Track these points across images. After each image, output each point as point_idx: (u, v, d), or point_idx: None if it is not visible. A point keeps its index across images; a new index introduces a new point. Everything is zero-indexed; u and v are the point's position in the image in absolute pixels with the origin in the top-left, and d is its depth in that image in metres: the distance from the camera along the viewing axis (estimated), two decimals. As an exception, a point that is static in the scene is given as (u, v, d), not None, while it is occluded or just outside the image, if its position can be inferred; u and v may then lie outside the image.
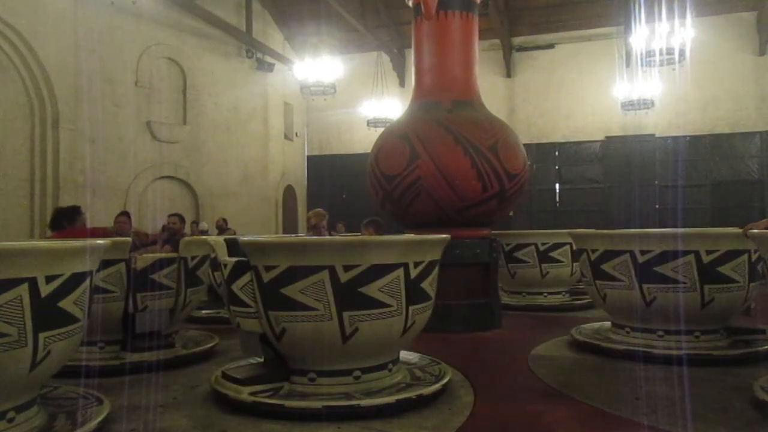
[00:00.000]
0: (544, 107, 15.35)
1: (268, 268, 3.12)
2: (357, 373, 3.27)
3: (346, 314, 3.08)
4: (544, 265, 7.07)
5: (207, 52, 13.44)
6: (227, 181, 13.87)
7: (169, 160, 12.41)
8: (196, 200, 13.06)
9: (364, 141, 13.08)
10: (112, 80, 11.13)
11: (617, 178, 14.68)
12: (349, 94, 14.95)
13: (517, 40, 15.56)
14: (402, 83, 16.19)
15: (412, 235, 4.91)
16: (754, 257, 4.20)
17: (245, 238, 3.37)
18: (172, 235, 5.41)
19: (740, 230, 3.62)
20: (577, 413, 3.14)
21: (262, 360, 3.50)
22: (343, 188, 16.32)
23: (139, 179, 11.64)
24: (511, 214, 11.26)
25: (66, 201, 8.77)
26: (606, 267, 4.49)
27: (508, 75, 15.65)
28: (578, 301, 7.12)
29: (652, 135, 14.38)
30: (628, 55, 12.12)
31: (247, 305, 3.23)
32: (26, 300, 2.47)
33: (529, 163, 6.47)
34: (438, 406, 3.20)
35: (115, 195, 10.89)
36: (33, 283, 2.49)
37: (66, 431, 2.72)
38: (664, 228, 5.00)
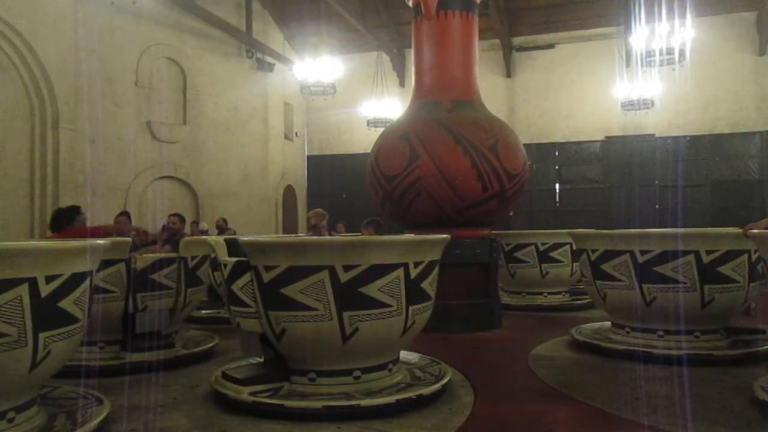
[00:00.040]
0: (544, 107, 15.34)
1: (268, 268, 3.12)
2: (357, 373, 3.27)
3: (346, 314, 3.08)
4: (544, 265, 7.07)
5: (207, 52, 13.44)
6: (227, 181, 13.87)
7: (169, 160, 12.41)
8: (196, 200, 13.06)
9: (364, 141, 13.08)
10: (112, 80, 11.13)
11: (617, 178, 14.68)
12: (349, 94, 14.95)
13: (517, 40, 15.56)
14: (402, 83, 16.19)
15: (412, 235, 4.91)
16: (754, 257, 4.20)
17: (245, 238, 3.37)
18: (172, 235, 5.42)
19: (740, 230, 3.62)
20: (577, 413, 3.14)
21: (262, 360, 3.50)
22: (343, 188, 16.32)
23: (139, 179, 11.64)
24: (511, 214, 11.27)
25: (66, 201, 8.76)
26: (606, 267, 4.49)
27: (508, 75, 15.65)
28: (578, 301, 7.12)
29: (652, 135, 14.38)
30: (628, 55, 12.12)
31: (247, 305, 3.23)
32: (26, 300, 2.47)
33: (529, 163, 6.47)
34: (438, 406, 3.20)
35: (115, 195, 10.88)
36: (33, 283, 2.49)
37: (66, 431, 2.73)
38: (664, 228, 5.00)
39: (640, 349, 4.18)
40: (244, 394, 3.14)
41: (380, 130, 10.24)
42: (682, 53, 9.86)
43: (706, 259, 4.13)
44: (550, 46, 15.31)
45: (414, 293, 3.29)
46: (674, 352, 4.03)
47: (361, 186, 7.25)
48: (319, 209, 7.00)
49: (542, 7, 14.73)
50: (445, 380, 3.39)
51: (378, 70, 15.04)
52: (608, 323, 4.93)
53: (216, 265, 4.01)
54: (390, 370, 3.44)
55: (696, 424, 2.87)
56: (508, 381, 3.87)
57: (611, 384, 3.64)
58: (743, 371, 3.77)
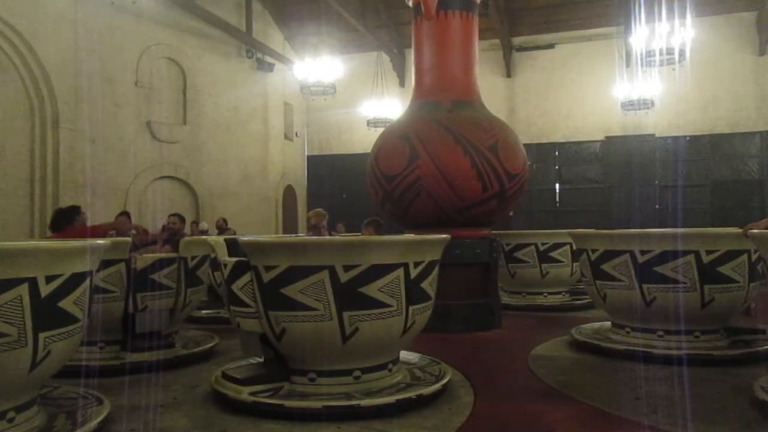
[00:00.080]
0: (544, 107, 15.35)
1: (268, 268, 3.12)
2: (357, 373, 3.27)
3: (346, 314, 3.08)
4: (544, 265, 7.07)
5: (207, 52, 13.44)
6: (227, 181, 13.87)
7: (169, 160, 12.41)
8: (196, 200, 13.06)
9: (364, 141, 13.08)
10: (112, 80, 11.14)
11: (617, 178, 14.68)
12: (349, 94, 14.95)
13: (517, 40, 15.56)
14: (402, 83, 16.19)
15: (412, 235, 4.91)
16: (754, 257, 4.20)
17: (245, 238, 3.37)
18: (172, 235, 5.42)
19: (740, 230, 3.62)
20: (577, 413, 3.14)
21: (262, 360, 3.50)
22: (343, 188, 16.32)
23: (139, 179, 11.64)
24: (511, 214, 11.28)
25: (66, 201, 8.76)
26: (606, 267, 4.49)
27: (508, 75, 15.65)
28: (578, 301, 7.12)
29: (652, 135, 14.38)
30: (628, 55, 12.12)
31: (247, 305, 3.23)
32: (26, 300, 2.47)
33: (529, 163, 6.47)
34: (438, 406, 3.20)
35: (115, 195, 10.89)
36: (33, 283, 2.49)
37: (66, 431, 2.72)
38: (664, 228, 5.00)
39: (640, 349, 4.18)
40: (244, 394, 3.14)
41: (380, 130, 10.23)
42: (682, 53, 9.86)
43: (706, 259, 4.13)
44: (550, 46, 15.31)
45: (414, 293, 3.29)
46: (674, 352, 4.03)
47: (361, 186, 7.25)
48: (319, 209, 7.01)
49: (542, 7, 14.73)
50: (445, 380, 3.39)
51: (378, 70, 15.04)
52: (608, 323, 4.93)
53: (216, 265, 4.01)
54: (390, 370, 3.44)
55: (696, 424, 2.87)
56: (508, 381, 3.87)
57: (611, 384, 3.64)
58: (743, 371, 3.77)
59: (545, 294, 7.24)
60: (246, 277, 3.21)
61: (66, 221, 5.48)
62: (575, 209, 14.70)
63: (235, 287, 3.26)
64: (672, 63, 10.05)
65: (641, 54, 10.01)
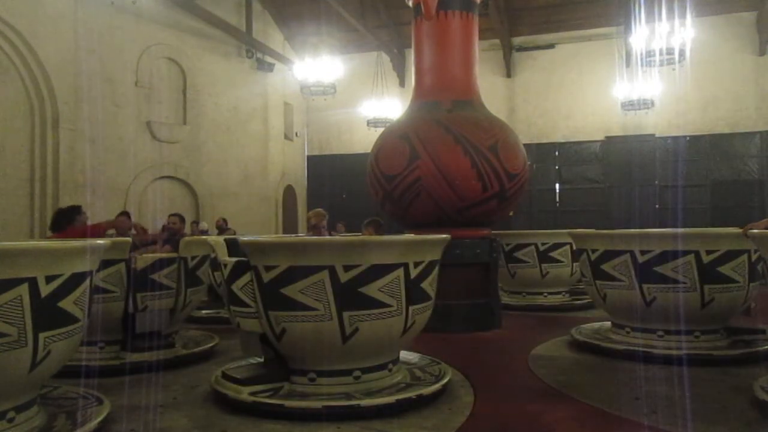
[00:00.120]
0: (544, 107, 15.35)
1: (268, 268, 3.12)
2: (357, 373, 3.27)
3: (346, 314, 3.08)
4: (544, 265, 7.07)
5: (207, 52, 13.44)
6: (227, 181, 13.88)
7: (169, 160, 12.41)
8: (196, 200, 13.06)
9: (364, 141, 13.08)
10: (112, 80, 11.14)
11: (617, 178, 14.68)
12: (349, 94, 14.95)
13: (517, 40, 15.56)
14: (402, 83, 16.19)
15: (412, 235, 4.91)
16: (754, 257, 4.20)
17: (245, 238, 3.37)
18: (172, 235, 5.42)
19: (740, 230, 3.62)
20: (577, 413, 3.14)
21: (262, 360, 3.50)
22: (343, 188, 16.32)
23: (139, 179, 11.64)
24: (511, 214, 11.27)
25: (66, 201, 8.77)
26: (606, 267, 4.49)
27: (508, 75, 15.65)
28: (578, 301, 7.11)
29: (652, 135, 14.39)
30: (628, 55, 12.12)
31: (247, 305, 3.23)
32: (26, 300, 2.47)
33: (529, 163, 6.47)
34: (438, 406, 3.20)
35: (115, 195, 10.89)
36: (33, 283, 2.49)
37: (66, 431, 2.72)
38: (664, 228, 5.00)
39: (640, 349, 4.18)
40: (244, 394, 3.14)
41: (380, 130, 10.23)
42: (682, 53, 9.87)
43: (706, 259, 4.13)
44: (550, 46, 15.31)
45: (414, 293, 3.29)
46: (674, 352, 4.03)
47: (361, 186, 7.25)
48: (319, 209, 7.01)
49: (542, 7, 14.73)
50: (445, 380, 3.39)
51: (378, 70, 15.04)
52: (608, 323, 4.93)
53: (216, 265, 4.01)
54: (390, 370, 3.44)
55: (696, 424, 2.87)
56: (508, 381, 3.87)
57: (611, 384, 3.64)
58: (743, 371, 3.77)
59: (545, 294, 7.24)
60: (246, 277, 3.21)
61: (66, 221, 5.48)
62: (575, 209, 14.70)
63: (235, 287, 3.26)
64: (672, 63, 10.05)
65: (641, 54, 10.02)
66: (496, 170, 5.52)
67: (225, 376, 3.39)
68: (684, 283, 4.14)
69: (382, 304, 3.15)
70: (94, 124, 10.43)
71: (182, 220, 6.56)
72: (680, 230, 4.47)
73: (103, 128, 10.60)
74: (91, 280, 2.89)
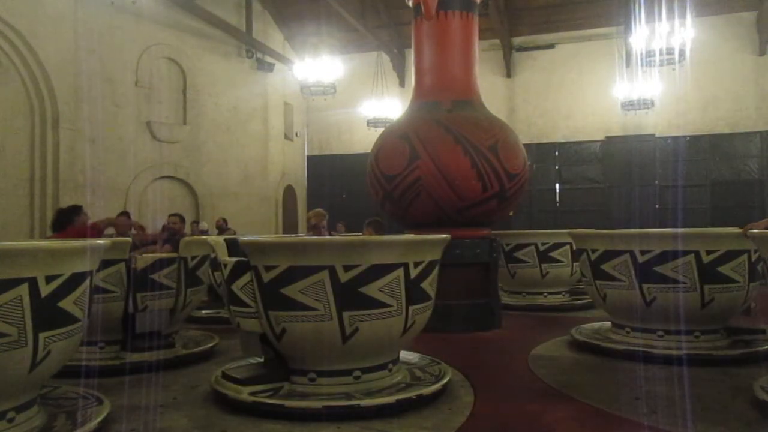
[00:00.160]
0: (544, 107, 15.35)
1: (268, 268, 3.12)
2: (357, 373, 3.27)
3: (346, 314, 3.08)
4: (544, 265, 7.07)
5: (207, 52, 13.44)
6: (227, 181, 13.88)
7: (169, 160, 12.41)
8: (196, 200, 13.06)
9: (364, 141, 13.08)
10: (112, 80, 11.14)
11: (617, 178, 14.68)
12: (349, 94, 14.95)
13: (517, 40, 15.56)
14: (402, 83, 16.19)
15: (412, 235, 4.91)
16: (754, 257, 4.20)
17: (245, 238, 3.36)
18: (172, 235, 5.42)
19: (740, 230, 3.62)
20: (577, 413, 3.14)
21: (262, 360, 3.50)
22: (343, 188, 16.32)
23: (139, 179, 11.64)
24: (511, 214, 11.28)
25: (66, 201, 8.77)
26: (606, 267, 4.49)
27: (508, 75, 15.65)
28: (578, 301, 7.11)
29: (652, 135, 14.39)
30: (628, 55, 12.12)
31: (247, 305, 3.23)
32: (26, 300, 2.47)
33: (529, 163, 6.47)
34: (438, 406, 3.20)
35: (115, 195, 10.88)
36: (33, 283, 2.49)
37: (66, 431, 2.72)
38: (664, 228, 5.00)
39: (640, 349, 4.18)
40: (244, 394, 3.14)
41: (380, 130, 10.23)
42: (682, 53, 9.87)
43: (706, 259, 4.13)
44: (550, 46, 15.31)
45: (414, 293, 3.29)
46: (674, 352, 4.03)
47: (361, 186, 7.25)
48: (319, 209, 7.01)
49: (542, 7, 14.73)
50: (445, 380, 3.39)
51: (378, 70, 15.04)
52: (608, 323, 4.93)
53: (216, 265, 4.01)
54: (390, 370, 3.44)
55: (696, 425, 2.87)
56: (508, 381, 3.87)
57: (611, 384, 3.64)
58: (743, 371, 3.77)
59: (545, 294, 7.24)
60: (246, 277, 3.21)
61: (66, 221, 5.48)
62: (575, 209, 14.70)
63: (235, 287, 3.26)
64: (672, 63, 10.05)
65: (641, 54, 10.02)
66: (496, 170, 5.52)
67: (225, 376, 3.39)
68: (684, 283, 4.14)
69: (382, 304, 3.15)
70: (94, 124, 10.44)
71: (182, 220, 6.57)
72: (680, 230, 4.47)
73: (103, 128, 10.60)
74: (91, 280, 2.89)
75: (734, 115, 13.97)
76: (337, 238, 5.00)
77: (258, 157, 14.90)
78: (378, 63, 15.25)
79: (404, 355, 3.79)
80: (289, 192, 16.25)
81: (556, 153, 15.20)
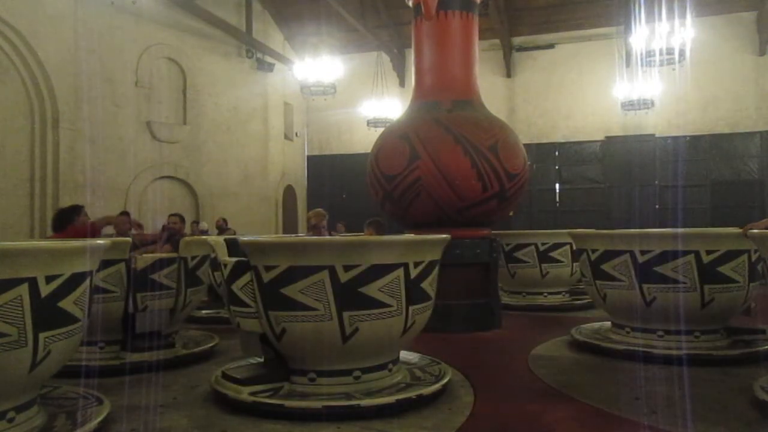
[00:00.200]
0: (544, 107, 15.34)
1: (268, 268, 3.12)
2: (357, 373, 3.27)
3: (346, 314, 3.08)
4: (544, 265, 7.07)
5: (207, 52, 13.44)
6: (227, 181, 13.87)
7: (169, 160, 12.41)
8: (196, 200, 13.06)
9: (364, 141, 13.07)
10: (112, 80, 11.14)
11: (617, 178, 14.68)
12: (349, 94, 14.95)
13: (517, 40, 15.56)
14: (402, 83, 16.19)
15: (412, 235, 4.91)
16: (754, 257, 4.20)
17: (245, 238, 3.37)
18: (172, 235, 5.41)
19: (740, 230, 3.62)
20: (577, 413, 3.14)
21: (262, 360, 3.50)
22: (343, 188, 16.32)
23: (139, 179, 11.64)
24: (511, 214, 11.28)
25: (66, 201, 8.77)
26: (606, 267, 4.49)
27: (508, 75, 15.64)
28: (578, 301, 7.12)
29: (652, 135, 14.38)
30: (628, 55, 12.12)
31: (247, 305, 3.23)
32: (26, 300, 2.47)
33: (529, 163, 6.47)
34: (438, 406, 3.20)
35: (115, 195, 10.88)
36: (33, 283, 2.49)
37: (66, 431, 2.72)
38: (664, 228, 5.00)
39: (640, 349, 4.18)
40: (244, 394, 3.14)
41: (380, 130, 10.23)
42: (682, 53, 9.86)
43: (706, 259, 4.13)
44: (550, 46, 15.30)
45: (414, 293, 3.29)
46: (674, 352, 4.03)
47: (361, 186, 7.25)
48: (319, 209, 7.01)
49: (542, 7, 14.73)
50: (445, 380, 3.39)
51: (378, 70, 15.04)
52: (608, 323, 4.93)
53: (216, 265, 4.01)
54: (390, 370, 3.44)
55: (696, 425, 2.87)
56: (508, 381, 3.87)
57: (611, 384, 3.64)
58: (743, 371, 3.77)
59: (545, 294, 7.24)
60: (246, 277, 3.21)
61: (67, 221, 5.47)
62: (575, 209, 14.70)
63: (235, 287, 3.26)
64: (672, 63, 10.05)
65: (641, 54, 10.01)
66: (496, 170, 5.52)
67: (225, 376, 3.39)
68: (684, 283, 4.14)
69: (382, 304, 3.15)
70: (94, 124, 10.43)
71: (182, 220, 6.55)
72: (680, 230, 4.47)
73: (103, 128, 10.60)
74: (91, 280, 2.89)
75: (734, 115, 13.96)
76: (337, 238, 5.00)
77: (258, 157, 14.90)
78: (378, 63, 15.25)
79: (404, 355, 3.79)
80: (289, 192, 16.25)
81: (556, 153, 15.19)
